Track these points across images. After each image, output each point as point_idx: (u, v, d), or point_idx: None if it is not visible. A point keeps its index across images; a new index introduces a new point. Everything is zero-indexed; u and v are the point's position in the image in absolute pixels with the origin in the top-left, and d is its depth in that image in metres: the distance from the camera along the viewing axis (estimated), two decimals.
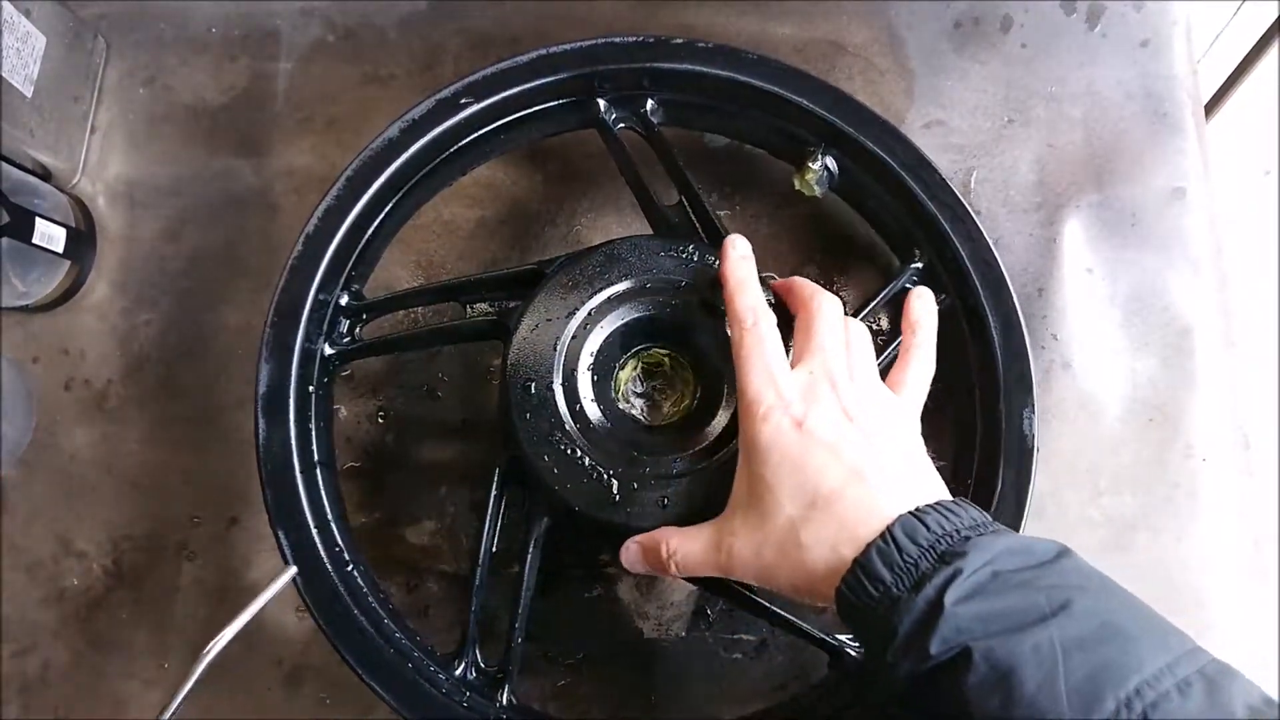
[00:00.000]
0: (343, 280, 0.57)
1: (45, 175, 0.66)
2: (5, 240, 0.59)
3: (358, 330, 0.59)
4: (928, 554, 0.40)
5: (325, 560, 0.52)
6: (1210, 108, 0.81)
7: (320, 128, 0.68)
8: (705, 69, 0.57)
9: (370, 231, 0.58)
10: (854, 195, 0.61)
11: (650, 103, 0.58)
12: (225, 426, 0.63)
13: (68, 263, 0.66)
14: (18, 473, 0.65)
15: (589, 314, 0.53)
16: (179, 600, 0.62)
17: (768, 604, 0.52)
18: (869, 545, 0.41)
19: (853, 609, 0.41)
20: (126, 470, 0.64)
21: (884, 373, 0.51)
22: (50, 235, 0.63)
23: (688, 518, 0.49)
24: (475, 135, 0.58)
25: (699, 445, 0.51)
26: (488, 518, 0.53)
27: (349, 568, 0.53)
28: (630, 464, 0.50)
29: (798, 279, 0.52)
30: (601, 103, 0.58)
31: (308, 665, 0.60)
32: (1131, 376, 0.62)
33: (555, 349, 0.52)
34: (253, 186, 0.68)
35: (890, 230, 0.60)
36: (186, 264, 0.67)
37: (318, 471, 0.55)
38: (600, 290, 0.53)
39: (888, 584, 0.40)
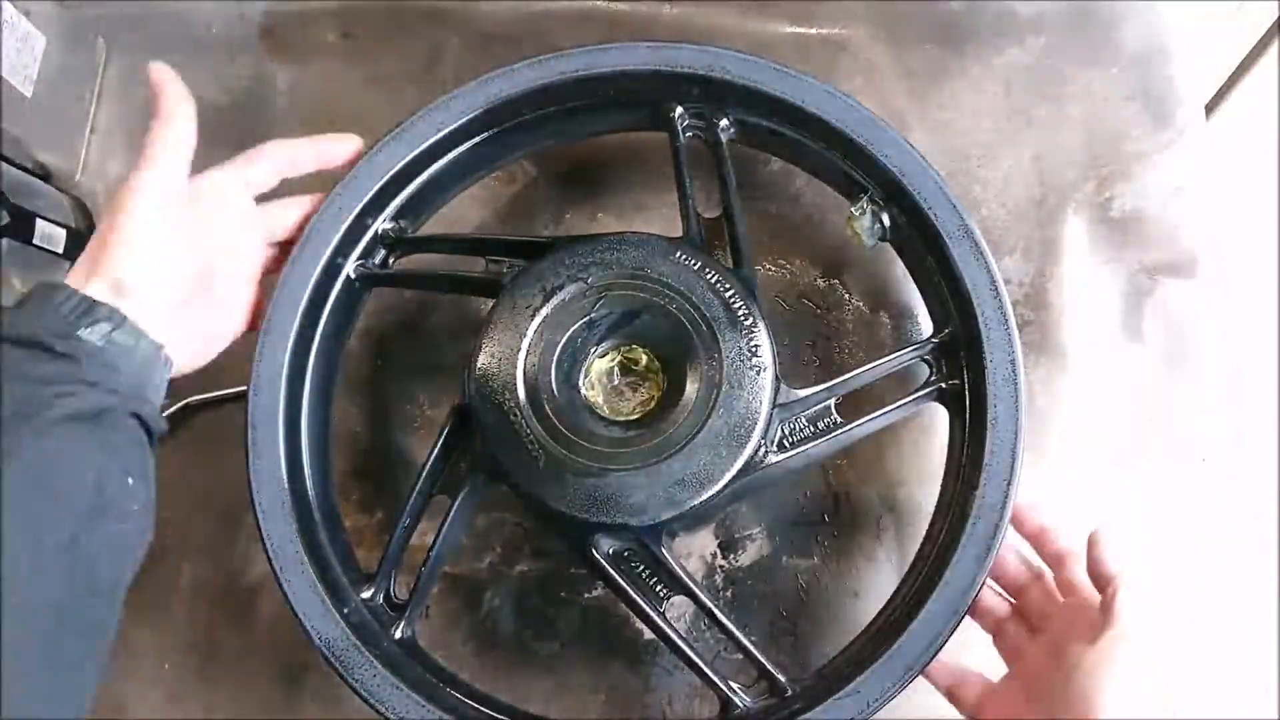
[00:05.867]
0: (391, 211, 0.58)
1: (45, 175, 0.66)
2: (5, 240, 0.59)
3: (391, 261, 0.60)
4: None
5: (281, 441, 0.53)
6: (1210, 108, 0.81)
7: (320, 128, 0.68)
8: (795, 101, 0.55)
9: (429, 175, 0.59)
10: (901, 250, 0.59)
11: (725, 120, 0.58)
12: (225, 426, 0.63)
13: (68, 263, 0.66)
14: None
15: (573, 295, 0.53)
16: (179, 600, 0.62)
17: (672, 635, 0.52)
18: None
19: None
20: None
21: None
22: (50, 235, 0.63)
23: (605, 508, 0.50)
24: (548, 111, 0.58)
25: (638, 447, 0.51)
26: (432, 452, 0.54)
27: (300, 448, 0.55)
28: (568, 447, 0.51)
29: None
30: (679, 108, 0.57)
31: (308, 665, 0.60)
32: (1131, 376, 0.62)
33: (533, 316, 0.52)
34: None
35: (929, 294, 0.58)
36: None
37: (313, 344, 0.56)
38: (592, 276, 0.53)
39: None
